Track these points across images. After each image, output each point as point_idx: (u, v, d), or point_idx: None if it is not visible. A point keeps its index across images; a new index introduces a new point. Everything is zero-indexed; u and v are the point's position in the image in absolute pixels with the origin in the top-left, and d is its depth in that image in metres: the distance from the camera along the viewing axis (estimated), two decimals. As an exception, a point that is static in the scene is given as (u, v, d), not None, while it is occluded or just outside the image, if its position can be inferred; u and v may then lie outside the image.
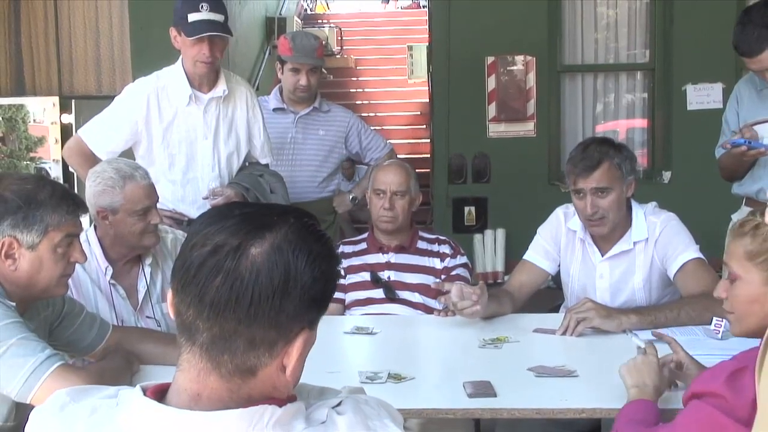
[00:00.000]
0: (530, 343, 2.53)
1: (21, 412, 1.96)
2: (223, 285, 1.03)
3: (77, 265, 2.60)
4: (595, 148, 2.80)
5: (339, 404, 1.13)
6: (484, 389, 2.05)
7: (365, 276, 3.17)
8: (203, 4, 3.15)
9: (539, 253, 2.99)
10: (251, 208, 1.13)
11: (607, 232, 2.81)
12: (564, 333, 2.54)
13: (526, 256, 3.01)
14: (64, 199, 1.99)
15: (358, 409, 1.13)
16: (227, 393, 1.07)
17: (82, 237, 2.67)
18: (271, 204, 1.17)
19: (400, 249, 3.22)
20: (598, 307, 2.58)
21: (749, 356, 1.48)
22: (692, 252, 2.74)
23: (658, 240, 2.79)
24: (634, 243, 2.82)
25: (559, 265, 3.00)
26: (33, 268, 1.96)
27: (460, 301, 2.59)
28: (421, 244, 3.25)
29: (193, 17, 3.16)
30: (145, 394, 1.09)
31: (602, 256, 2.87)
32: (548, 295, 3.47)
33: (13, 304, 1.92)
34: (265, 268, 1.04)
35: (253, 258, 1.04)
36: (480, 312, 2.62)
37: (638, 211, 2.86)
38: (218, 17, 3.21)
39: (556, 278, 3.30)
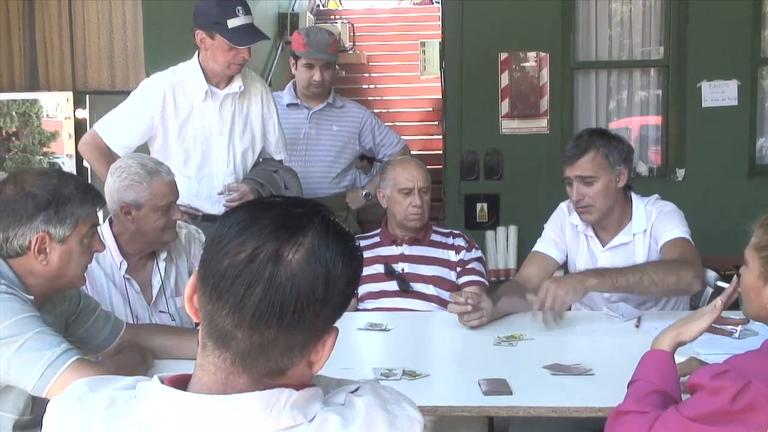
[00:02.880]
0: (546, 341, 2.52)
1: (37, 405, 1.97)
2: (266, 295, 1.02)
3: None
4: (582, 138, 2.88)
5: (357, 390, 1.14)
6: (499, 387, 2.04)
7: (379, 268, 3.17)
8: (239, 8, 3.16)
9: (548, 244, 3.05)
10: (278, 208, 1.10)
11: (594, 219, 2.88)
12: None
13: (535, 248, 3.08)
14: (88, 191, 2.02)
15: (377, 393, 1.13)
16: (255, 390, 1.07)
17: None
18: (293, 200, 1.14)
19: (414, 241, 3.22)
20: (558, 283, 2.58)
21: (737, 360, 1.59)
22: (680, 231, 2.79)
23: (653, 225, 2.86)
24: (634, 235, 2.88)
25: (566, 256, 3.06)
26: (62, 261, 1.98)
27: (466, 313, 2.59)
28: (435, 237, 3.26)
29: (233, 23, 3.16)
30: (162, 383, 1.09)
31: (603, 246, 2.93)
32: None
33: (31, 297, 1.93)
34: (305, 278, 1.03)
35: (293, 266, 1.03)
36: (485, 322, 2.62)
37: (639, 203, 2.91)
38: (251, 19, 3.24)
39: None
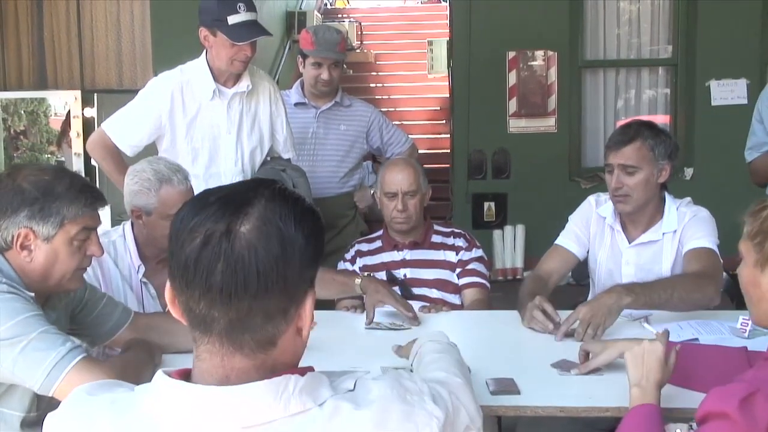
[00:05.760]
0: (554, 341, 2.50)
1: (43, 402, 1.96)
2: (227, 270, 1.05)
3: (109, 261, 2.61)
4: (632, 127, 2.85)
5: (372, 377, 1.16)
6: (507, 386, 2.03)
7: (382, 276, 3.14)
8: (240, 4, 3.15)
9: (570, 238, 3.00)
10: (224, 190, 1.14)
11: (629, 210, 2.84)
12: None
13: (557, 242, 3.03)
14: (82, 191, 1.97)
15: (398, 383, 1.14)
16: (254, 370, 1.10)
17: (118, 232, 2.68)
18: (238, 182, 1.19)
19: (415, 245, 3.19)
20: (591, 311, 2.44)
21: (761, 378, 1.48)
22: (708, 242, 2.75)
23: (685, 227, 2.82)
24: (663, 234, 2.85)
25: (587, 252, 3.01)
26: (48, 260, 1.94)
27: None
28: (436, 238, 3.22)
29: (233, 19, 3.15)
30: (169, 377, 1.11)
31: (629, 243, 2.89)
32: (570, 292, 3.45)
33: (32, 294, 1.92)
34: (260, 243, 1.06)
35: (246, 236, 1.06)
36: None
37: (672, 205, 2.88)
38: (255, 16, 3.23)
39: (576, 274, 3.27)
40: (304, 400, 1.07)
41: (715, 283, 2.59)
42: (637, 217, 2.88)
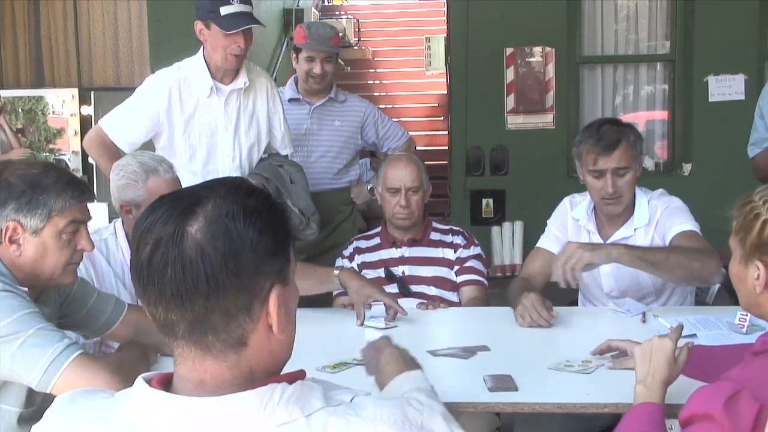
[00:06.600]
0: (552, 337, 2.50)
1: (38, 396, 1.95)
2: (176, 273, 1.04)
3: (101, 259, 2.60)
4: (610, 128, 2.83)
5: (374, 398, 1.12)
6: (504, 383, 2.03)
7: (380, 272, 3.14)
8: None
9: (550, 240, 3.01)
10: (176, 192, 1.13)
11: (621, 210, 2.85)
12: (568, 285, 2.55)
13: (538, 244, 3.04)
14: (69, 184, 1.96)
15: (400, 410, 1.10)
16: (228, 371, 1.07)
17: (109, 230, 2.67)
18: (198, 183, 1.17)
19: (413, 242, 3.19)
20: (582, 245, 2.56)
21: (746, 375, 1.47)
22: (691, 225, 2.76)
23: (659, 220, 2.82)
24: (635, 229, 2.85)
25: None
26: (37, 254, 1.93)
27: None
28: (434, 235, 3.22)
29: (226, 10, 3.17)
30: (150, 385, 1.09)
31: (603, 242, 2.88)
32: (564, 291, 3.44)
33: (26, 290, 1.91)
34: (208, 243, 1.04)
35: (193, 236, 1.05)
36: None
37: (642, 198, 2.89)
38: (248, 8, 3.25)
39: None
40: (290, 410, 1.04)
41: (716, 259, 2.58)
42: (617, 217, 2.88)
